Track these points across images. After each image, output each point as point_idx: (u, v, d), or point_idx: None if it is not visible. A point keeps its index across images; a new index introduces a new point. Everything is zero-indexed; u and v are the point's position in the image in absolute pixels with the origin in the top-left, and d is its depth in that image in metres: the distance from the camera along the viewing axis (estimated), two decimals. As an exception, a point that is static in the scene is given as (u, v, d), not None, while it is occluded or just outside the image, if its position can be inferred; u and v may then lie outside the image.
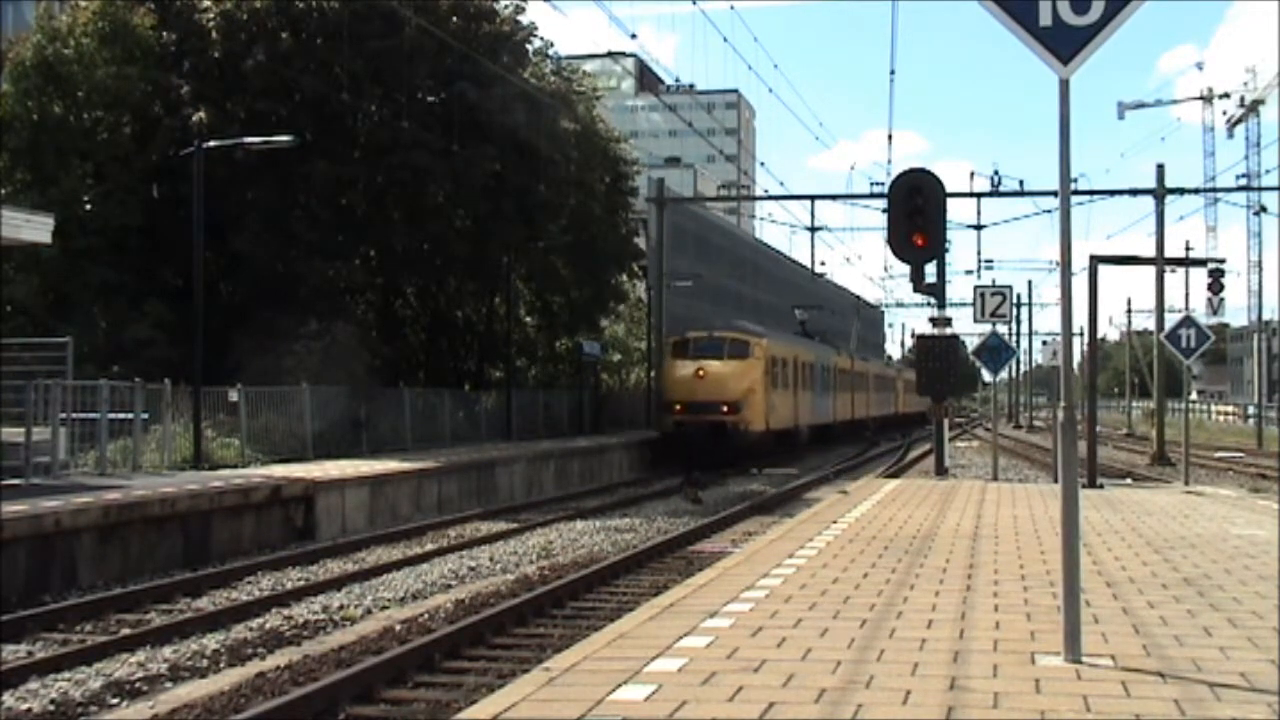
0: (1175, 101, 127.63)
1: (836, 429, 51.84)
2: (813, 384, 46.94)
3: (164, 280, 30.53)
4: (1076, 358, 29.11)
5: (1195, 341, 22.76)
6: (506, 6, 35.89)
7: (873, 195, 40.78)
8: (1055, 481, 18.68)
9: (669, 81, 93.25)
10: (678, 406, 36.92)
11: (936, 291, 22.01)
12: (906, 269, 24.07)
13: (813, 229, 42.34)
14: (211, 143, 24.52)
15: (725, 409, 36.21)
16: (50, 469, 18.90)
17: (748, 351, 38.07)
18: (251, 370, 25.94)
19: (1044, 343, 72.49)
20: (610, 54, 43.85)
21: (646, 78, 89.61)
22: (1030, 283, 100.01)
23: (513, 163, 33.81)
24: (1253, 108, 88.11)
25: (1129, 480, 27.74)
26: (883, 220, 46.29)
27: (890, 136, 79.57)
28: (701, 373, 36.91)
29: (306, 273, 31.46)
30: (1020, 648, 6.98)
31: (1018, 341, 72.34)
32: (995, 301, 24.67)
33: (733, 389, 36.88)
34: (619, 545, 18.59)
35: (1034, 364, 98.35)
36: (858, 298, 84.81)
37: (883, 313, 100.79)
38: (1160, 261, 38.03)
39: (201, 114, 29.85)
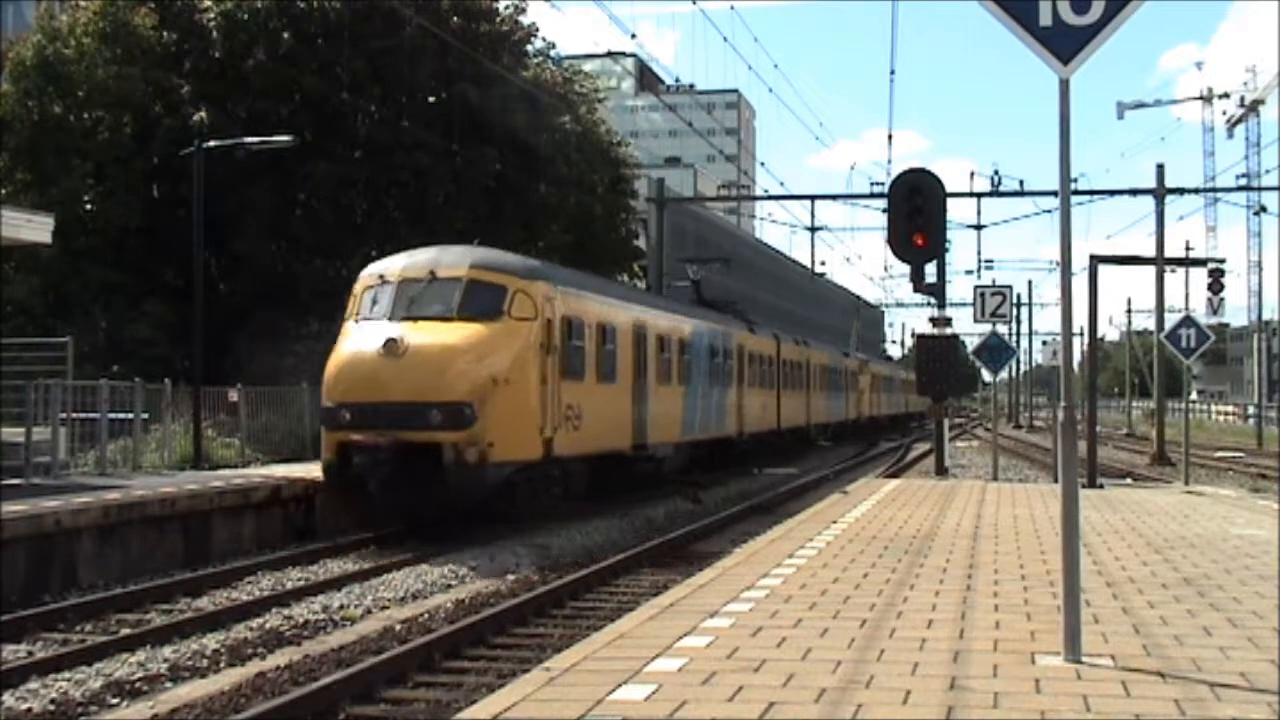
0: (1175, 101, 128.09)
1: (743, 443, 32.73)
2: (687, 375, 27.33)
3: (164, 280, 30.55)
4: (1076, 358, 29.11)
5: (1195, 341, 22.76)
6: (507, 7, 35.94)
7: (873, 195, 40.74)
8: (1055, 481, 18.68)
9: (669, 81, 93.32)
10: (346, 414, 18.11)
11: (936, 291, 22.05)
12: (906, 269, 24.13)
13: (813, 229, 42.36)
14: (212, 143, 24.53)
15: (437, 419, 17.73)
16: (50, 469, 18.91)
17: (501, 304, 18.89)
18: (251, 370, 25.96)
19: (1044, 343, 72.65)
20: (610, 54, 43.89)
21: (646, 78, 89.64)
22: (1030, 283, 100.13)
23: (513, 163, 33.83)
24: (1253, 108, 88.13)
25: (1129, 480, 27.73)
26: (883, 220, 46.26)
27: (890, 136, 79.57)
28: (396, 346, 18.04)
29: (306, 273, 31.48)
30: (1020, 648, 6.98)
31: (1018, 341, 72.34)
32: (995, 301, 24.67)
33: (454, 379, 18.03)
34: (618, 545, 18.59)
35: (1034, 364, 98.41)
36: (858, 298, 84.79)
37: (883, 313, 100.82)
38: (1160, 261, 38.01)
39: (202, 114, 29.87)
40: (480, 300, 18.72)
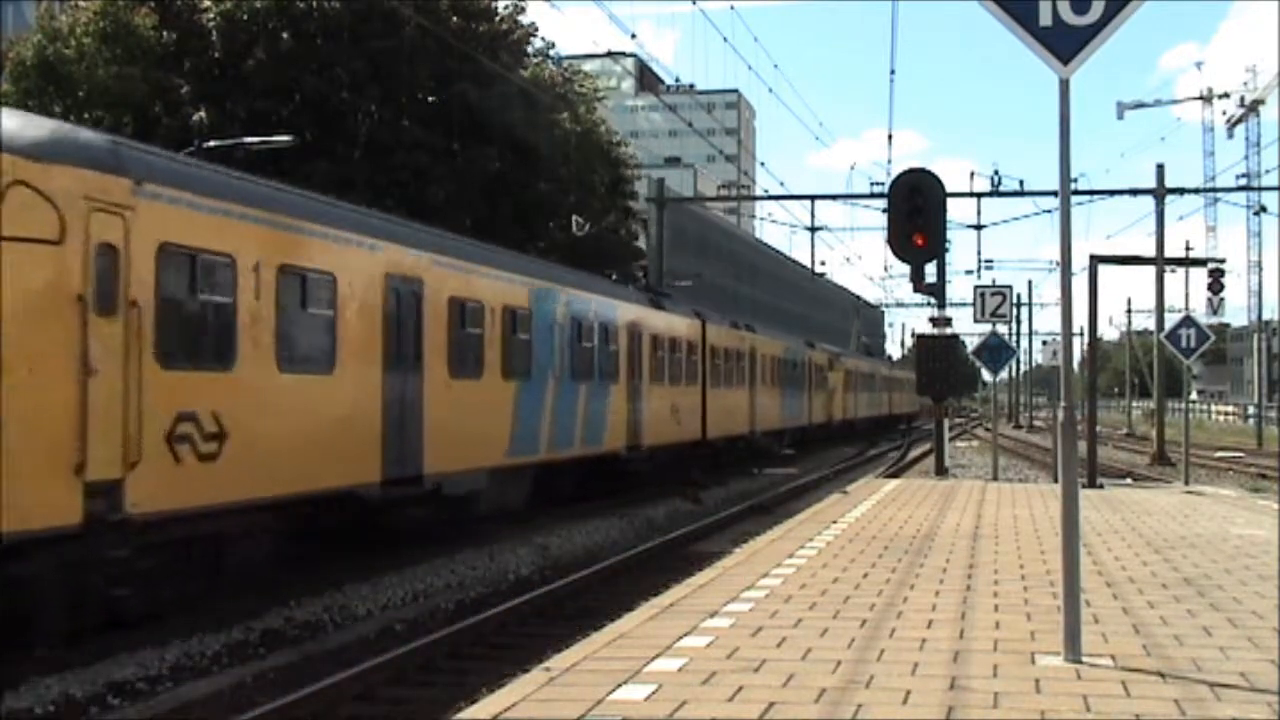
0: (1175, 101, 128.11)
1: (638, 461, 24.73)
2: (524, 364, 19.11)
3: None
4: (1076, 358, 29.12)
5: (1195, 341, 22.76)
6: (506, 6, 35.94)
7: (873, 195, 40.64)
8: (1055, 481, 18.68)
9: (669, 81, 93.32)
10: None
11: (936, 291, 22.02)
12: (906, 269, 24.11)
13: (813, 229, 42.23)
14: (212, 143, 24.55)
15: None
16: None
17: None
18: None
19: (1044, 343, 72.56)
20: (610, 54, 43.80)
21: (646, 77, 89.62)
22: (1030, 283, 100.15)
23: (513, 163, 33.84)
24: (1253, 107, 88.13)
25: (1129, 480, 27.72)
26: (883, 220, 46.04)
27: (890, 136, 79.43)
28: None
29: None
30: (1020, 648, 6.98)
31: (1018, 341, 72.23)
32: (995, 301, 24.66)
33: None
34: (618, 545, 18.60)
35: (1034, 364, 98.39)
36: (858, 298, 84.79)
37: (883, 313, 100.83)
38: (1160, 261, 38.00)
39: (202, 114, 29.89)
40: None
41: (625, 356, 23.95)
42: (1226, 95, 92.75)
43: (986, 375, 33.66)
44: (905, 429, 68.76)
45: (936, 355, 24.81)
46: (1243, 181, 59.41)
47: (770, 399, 37.32)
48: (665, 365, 26.60)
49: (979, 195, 42.82)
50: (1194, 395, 71.26)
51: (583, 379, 21.53)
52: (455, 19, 33.24)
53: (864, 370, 62.16)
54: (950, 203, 27.95)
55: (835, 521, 14.01)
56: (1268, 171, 67.43)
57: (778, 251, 75.35)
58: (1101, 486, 21.41)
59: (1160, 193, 39.75)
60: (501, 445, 18.38)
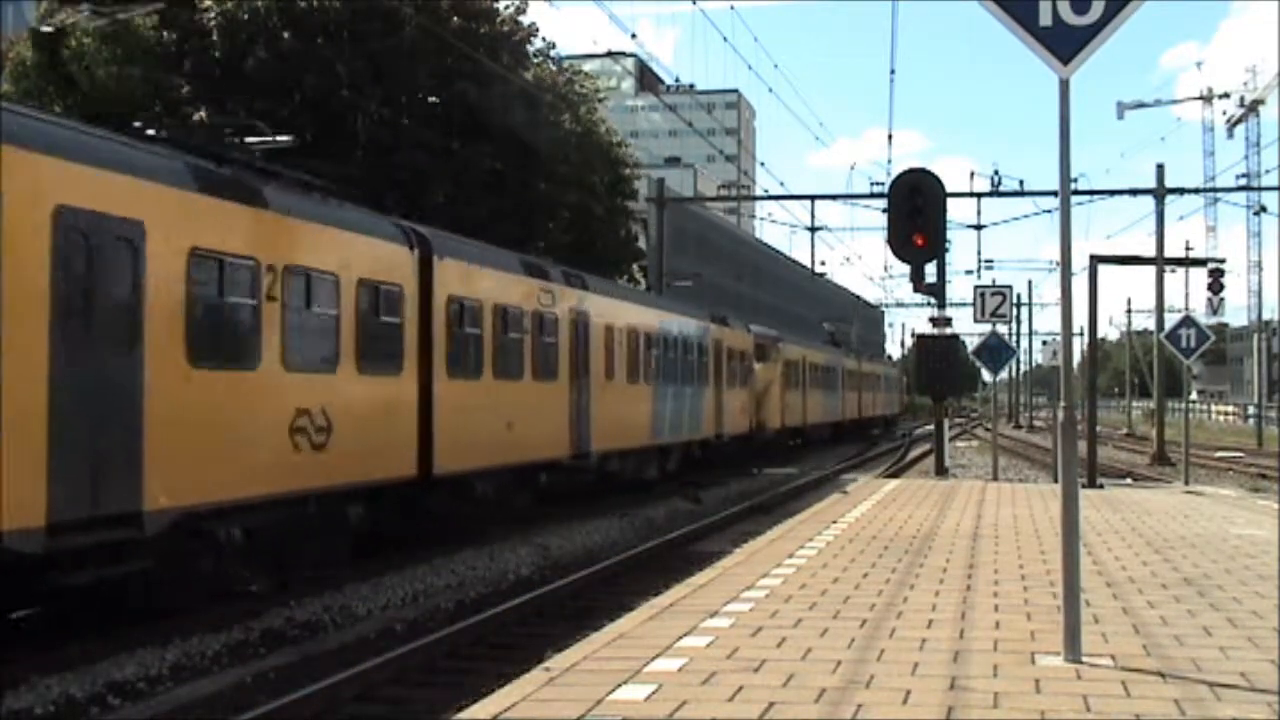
0: (1175, 101, 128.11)
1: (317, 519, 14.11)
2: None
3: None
4: (1076, 358, 29.13)
5: (1195, 341, 22.78)
6: (507, 6, 35.92)
7: (873, 195, 40.67)
8: (1055, 481, 18.68)
9: (669, 81, 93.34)
10: None
11: (936, 291, 21.98)
12: (906, 269, 24.09)
13: (813, 229, 42.27)
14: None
15: None
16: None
17: None
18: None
19: (1044, 343, 72.55)
20: (610, 54, 43.84)
21: (646, 77, 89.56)
22: (1030, 283, 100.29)
23: (513, 163, 33.82)
24: (1253, 107, 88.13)
25: (1129, 480, 27.73)
26: (883, 220, 45.91)
27: (890, 136, 79.41)
28: None
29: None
30: (1020, 648, 6.98)
31: (1018, 341, 72.24)
32: (995, 301, 24.66)
33: None
34: (619, 545, 18.60)
35: (1034, 364, 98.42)
36: (858, 298, 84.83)
37: (883, 313, 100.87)
38: (1160, 261, 38.02)
39: (202, 113, 29.84)
40: None
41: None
42: (1227, 95, 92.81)
43: (986, 375, 33.68)
44: (879, 433, 63.00)
45: (936, 355, 24.82)
46: (1243, 181, 59.46)
47: (636, 400, 25.03)
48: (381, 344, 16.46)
49: (979, 195, 42.88)
50: (1194, 395, 71.23)
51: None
52: (456, 19, 33.22)
53: (820, 362, 48.03)
54: (950, 203, 27.95)
55: (835, 521, 14.02)
56: (1268, 171, 67.49)
57: (778, 251, 75.44)
58: (1101, 486, 21.42)
59: (1160, 193, 39.76)
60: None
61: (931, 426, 36.02)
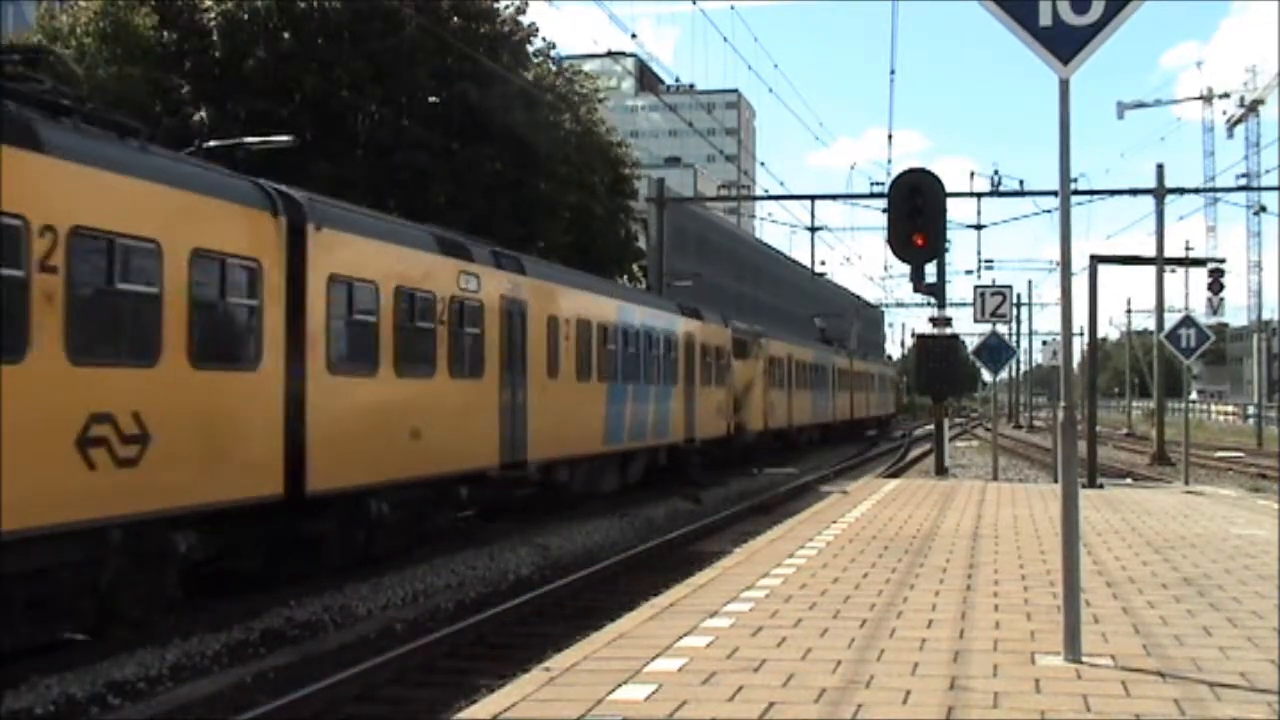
0: (1175, 101, 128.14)
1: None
2: None
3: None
4: (1076, 358, 29.13)
5: (1195, 341, 22.77)
6: (507, 6, 35.93)
7: (873, 195, 40.66)
8: (1055, 481, 18.68)
9: (669, 81, 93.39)
10: None
11: (936, 291, 21.99)
12: (906, 269, 24.10)
13: (813, 229, 42.24)
14: (212, 143, 24.53)
15: None
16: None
17: None
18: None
19: (1044, 343, 72.42)
20: (610, 54, 43.83)
21: (646, 77, 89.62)
22: (1030, 283, 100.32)
23: (513, 163, 33.83)
24: (1253, 107, 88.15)
25: (1129, 480, 27.72)
26: (883, 220, 45.82)
27: (890, 136, 79.51)
28: None
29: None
30: (1020, 647, 6.98)
31: (1018, 341, 72.19)
32: (995, 301, 24.65)
33: None
34: (619, 545, 18.61)
35: (1034, 364, 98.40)
36: (858, 298, 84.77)
37: (883, 313, 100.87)
38: (1160, 261, 38.02)
39: (202, 114, 29.87)
40: None
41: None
42: (1227, 95, 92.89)
43: (986, 375, 33.65)
44: (875, 434, 61.63)
45: (936, 355, 24.82)
46: (1243, 181, 59.52)
47: (589, 401, 22.07)
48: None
49: (979, 195, 42.87)
50: (1194, 395, 71.28)
51: None
52: (456, 19, 33.24)
53: (809, 360, 46.00)
54: (950, 203, 27.98)
55: (835, 521, 14.02)
56: (1268, 171, 67.52)
57: (778, 251, 75.41)
58: (1101, 486, 21.42)
59: (1160, 193, 39.76)
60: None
61: (931, 426, 36.02)
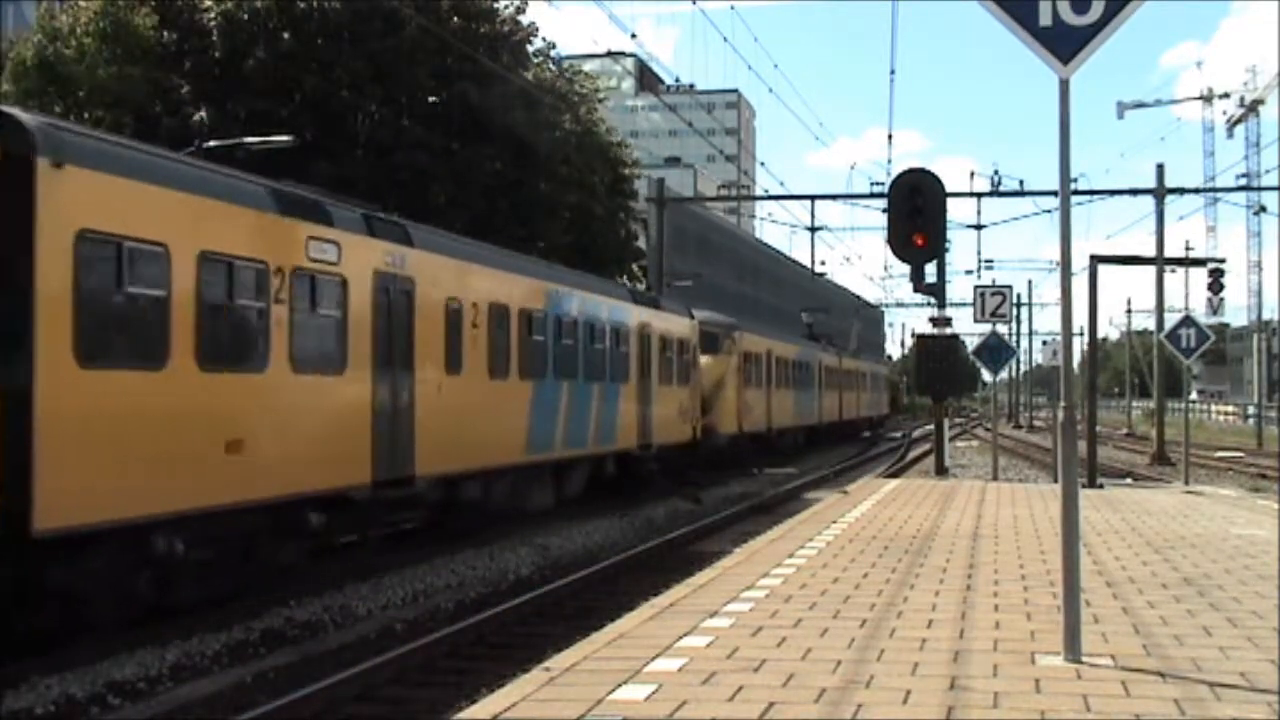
0: (1175, 101, 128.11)
1: None
2: None
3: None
4: (1076, 358, 29.14)
5: (1195, 341, 22.77)
6: (507, 6, 35.94)
7: (873, 195, 40.69)
8: (1055, 481, 18.68)
9: (669, 81, 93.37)
10: None
11: (936, 291, 21.99)
12: (906, 269, 24.10)
13: (813, 229, 42.27)
14: (212, 143, 24.55)
15: None
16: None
17: None
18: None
19: (1044, 343, 72.42)
20: (610, 54, 43.84)
21: (646, 77, 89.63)
22: (1030, 283, 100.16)
23: (513, 163, 33.83)
24: (1253, 107, 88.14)
25: (1129, 480, 27.71)
26: (883, 220, 45.82)
27: (890, 136, 79.46)
28: None
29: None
30: (1020, 647, 6.98)
31: (1018, 341, 72.16)
32: (995, 301, 24.66)
33: None
34: (619, 545, 18.60)
35: (1034, 364, 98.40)
36: (858, 298, 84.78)
37: (883, 313, 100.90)
38: (1160, 261, 38.03)
39: (202, 114, 29.88)
40: None
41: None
42: (1227, 95, 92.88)
43: (986, 375, 33.64)
44: (868, 435, 59.79)
45: (936, 355, 24.82)
46: (1243, 181, 59.58)
47: (467, 403, 17.32)
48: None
49: (979, 195, 42.92)
50: (1194, 395, 71.23)
51: None
52: (456, 19, 33.24)
53: (791, 356, 42.50)
54: (950, 203, 27.98)
55: (835, 521, 14.01)
56: (1268, 171, 67.48)
57: (778, 251, 75.45)
58: (1101, 486, 21.42)
59: (1160, 193, 39.76)
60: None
61: (931, 426, 36.01)
